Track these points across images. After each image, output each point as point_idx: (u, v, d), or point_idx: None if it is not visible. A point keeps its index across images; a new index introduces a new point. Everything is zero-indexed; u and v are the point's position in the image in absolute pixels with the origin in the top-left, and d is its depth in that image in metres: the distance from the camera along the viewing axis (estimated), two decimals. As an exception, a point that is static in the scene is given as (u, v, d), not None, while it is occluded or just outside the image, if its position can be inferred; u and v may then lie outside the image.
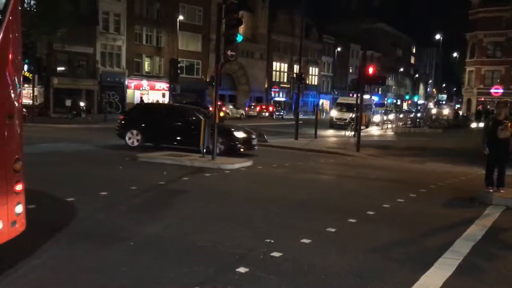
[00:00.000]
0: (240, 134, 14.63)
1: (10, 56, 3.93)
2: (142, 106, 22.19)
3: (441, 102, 74.64)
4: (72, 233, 5.62)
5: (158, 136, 14.97)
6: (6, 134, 3.88)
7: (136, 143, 14.89)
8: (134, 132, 15.02)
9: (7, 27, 3.84)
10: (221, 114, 14.37)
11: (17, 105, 4.03)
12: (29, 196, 6.76)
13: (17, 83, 4.02)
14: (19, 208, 4.12)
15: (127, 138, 15.06)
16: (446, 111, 65.12)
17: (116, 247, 5.16)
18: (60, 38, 32.98)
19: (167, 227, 6.05)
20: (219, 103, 14.31)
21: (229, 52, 12.03)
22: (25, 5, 27.07)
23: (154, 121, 15.03)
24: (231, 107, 47.06)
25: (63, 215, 6.36)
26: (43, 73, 31.25)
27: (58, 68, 40.45)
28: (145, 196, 7.97)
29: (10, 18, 3.88)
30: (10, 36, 3.93)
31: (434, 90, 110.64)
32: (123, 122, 15.73)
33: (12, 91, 3.94)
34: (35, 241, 5.11)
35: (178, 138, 14.63)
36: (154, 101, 49.43)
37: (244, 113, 47.73)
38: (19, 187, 4.08)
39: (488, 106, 54.37)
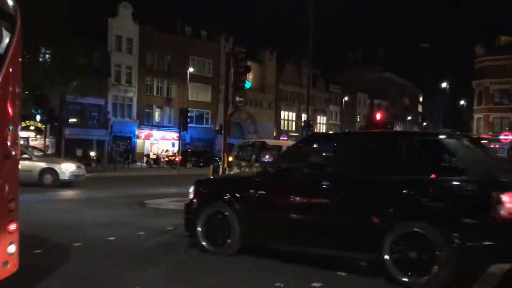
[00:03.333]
0: None
1: (8, 99, 4.02)
2: None
3: None
4: (75, 278, 5.51)
5: None
6: (2, 174, 3.93)
7: None
8: None
9: (6, 74, 3.93)
10: (230, 158, 14.34)
11: (14, 146, 4.11)
12: (36, 241, 6.75)
13: (14, 126, 4.12)
14: (12, 248, 4.05)
15: None
16: None
17: (122, 291, 5.03)
18: (73, 90, 33.71)
19: (173, 272, 5.92)
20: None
21: (237, 98, 12.23)
22: (40, 58, 27.85)
23: None
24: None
25: (69, 261, 6.26)
26: (55, 124, 31.77)
27: (70, 119, 41.21)
28: (153, 242, 7.85)
29: (10, 70, 3.98)
30: (10, 86, 4.02)
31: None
32: None
33: (9, 134, 4.02)
34: (36, 286, 5.00)
35: None
36: (164, 150, 50.09)
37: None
38: (13, 226, 4.04)
39: (498, 155, 54.00)
